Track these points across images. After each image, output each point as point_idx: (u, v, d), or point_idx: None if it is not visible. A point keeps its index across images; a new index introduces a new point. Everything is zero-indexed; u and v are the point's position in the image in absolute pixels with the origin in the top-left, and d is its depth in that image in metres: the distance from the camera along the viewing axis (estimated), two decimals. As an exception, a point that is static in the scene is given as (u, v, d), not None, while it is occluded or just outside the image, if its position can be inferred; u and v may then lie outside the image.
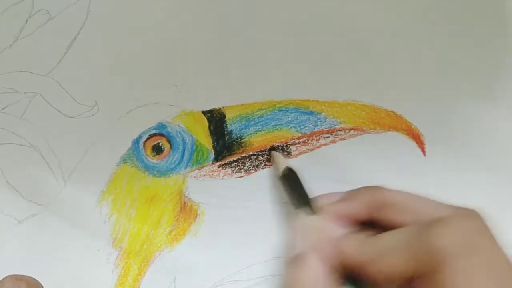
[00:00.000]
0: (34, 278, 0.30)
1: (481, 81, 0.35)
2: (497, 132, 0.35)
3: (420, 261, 0.23)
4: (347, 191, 0.30)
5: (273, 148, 0.34)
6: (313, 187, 0.33)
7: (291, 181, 0.32)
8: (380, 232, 0.26)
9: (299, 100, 0.34)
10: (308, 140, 0.34)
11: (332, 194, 0.30)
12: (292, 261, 0.27)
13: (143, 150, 0.34)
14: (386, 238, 0.25)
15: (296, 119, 0.34)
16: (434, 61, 0.35)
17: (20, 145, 0.34)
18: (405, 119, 0.34)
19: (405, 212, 0.26)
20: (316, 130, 0.34)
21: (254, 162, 0.34)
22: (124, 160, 0.34)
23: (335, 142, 0.34)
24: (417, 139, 0.34)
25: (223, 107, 0.34)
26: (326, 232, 0.28)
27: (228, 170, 0.34)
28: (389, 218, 0.27)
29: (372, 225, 0.27)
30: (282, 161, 0.33)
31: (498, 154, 0.35)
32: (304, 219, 0.29)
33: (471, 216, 0.24)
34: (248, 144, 0.34)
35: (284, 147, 0.34)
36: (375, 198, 0.27)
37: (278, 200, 0.34)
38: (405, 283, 0.24)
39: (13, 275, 0.30)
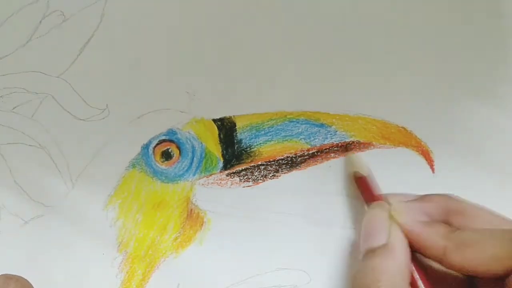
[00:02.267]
0: (24, 278, 0.30)
1: (493, 98, 0.35)
2: (509, 151, 0.35)
3: None
4: (421, 194, 0.30)
5: (348, 147, 0.34)
6: (321, 199, 0.33)
7: (364, 181, 0.32)
8: None
9: (310, 112, 0.35)
10: (317, 152, 0.34)
11: (405, 195, 0.31)
12: (379, 251, 0.27)
13: (152, 156, 0.34)
14: (482, 231, 0.26)
15: (306, 130, 0.34)
16: (447, 79, 0.35)
17: (29, 145, 0.34)
18: (415, 136, 0.34)
19: (479, 223, 0.27)
20: (326, 142, 0.34)
21: (262, 172, 0.34)
22: (132, 165, 0.34)
23: (344, 156, 0.34)
24: (426, 155, 0.34)
25: (233, 115, 0.34)
26: (410, 216, 0.28)
27: (236, 179, 0.34)
28: (463, 224, 0.27)
29: None
30: (358, 162, 0.33)
31: (510, 170, 0.35)
32: (387, 207, 0.29)
33: None
34: (257, 153, 0.34)
35: (293, 158, 0.34)
36: (451, 203, 0.28)
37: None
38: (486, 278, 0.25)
39: (4, 274, 0.30)
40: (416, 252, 0.28)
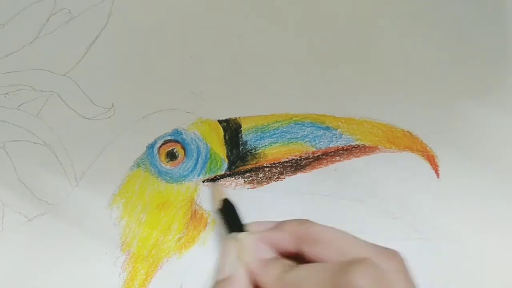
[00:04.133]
0: None
1: (501, 103, 0.35)
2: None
3: None
4: (278, 221, 0.30)
5: (212, 180, 0.34)
6: (322, 201, 0.33)
7: (227, 211, 0.32)
8: None
9: (315, 114, 0.34)
10: (322, 155, 0.34)
11: (263, 222, 0.31)
12: (220, 284, 0.28)
13: (157, 156, 0.34)
14: (306, 269, 0.26)
15: (312, 133, 0.34)
16: (454, 84, 0.35)
17: (34, 143, 0.34)
18: (421, 140, 0.34)
19: (330, 248, 0.27)
20: (331, 145, 0.34)
21: (267, 174, 0.34)
22: (137, 164, 0.34)
23: (349, 159, 0.34)
24: (432, 160, 0.34)
25: (239, 117, 0.34)
26: (253, 254, 0.29)
27: (241, 180, 0.34)
28: (313, 252, 0.27)
29: (298, 258, 0.28)
30: (221, 193, 0.33)
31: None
32: (235, 242, 0.30)
33: (391, 257, 0.26)
34: (262, 155, 0.34)
35: (298, 161, 0.34)
36: (303, 231, 0.28)
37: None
38: None
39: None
40: None
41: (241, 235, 0.30)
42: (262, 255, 0.29)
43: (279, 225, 0.30)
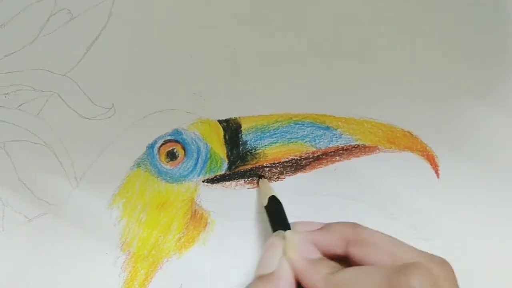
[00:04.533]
0: None
1: (501, 103, 0.35)
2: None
3: None
4: (326, 223, 0.30)
5: (261, 176, 0.34)
6: (322, 201, 0.33)
7: (273, 208, 0.32)
8: None
9: (315, 114, 0.35)
10: (322, 155, 0.34)
11: (310, 223, 0.30)
12: (264, 279, 0.28)
13: (157, 156, 0.34)
14: (357, 271, 0.26)
15: (312, 133, 0.34)
16: (454, 84, 0.35)
17: (34, 143, 0.34)
18: (421, 140, 0.34)
19: (382, 252, 0.27)
20: (331, 145, 0.34)
21: (267, 173, 0.34)
22: (137, 164, 0.34)
23: (349, 159, 0.34)
24: (432, 160, 0.34)
25: (239, 117, 0.34)
26: (300, 252, 0.28)
27: (241, 180, 0.34)
28: (363, 255, 0.27)
29: (343, 262, 0.28)
30: (268, 189, 0.33)
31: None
32: (281, 239, 0.29)
33: (442, 264, 0.26)
34: (262, 155, 0.34)
35: (298, 161, 0.34)
36: (352, 234, 0.28)
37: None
38: None
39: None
40: None
41: (288, 233, 0.29)
42: (308, 254, 0.28)
43: (327, 227, 0.29)
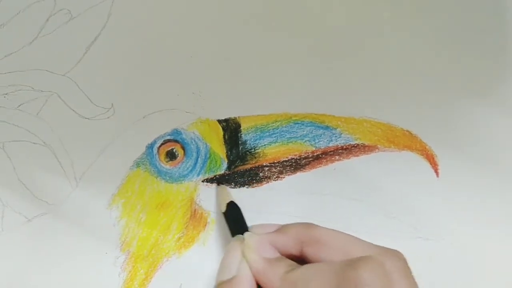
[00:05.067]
0: None
1: (500, 102, 0.35)
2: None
3: None
4: (281, 225, 0.30)
5: (219, 183, 0.34)
6: (322, 201, 0.33)
7: (232, 213, 0.32)
8: None
9: (315, 114, 0.35)
10: (321, 154, 0.34)
11: (266, 225, 0.31)
12: (225, 284, 0.28)
13: (157, 155, 0.34)
14: (312, 268, 0.26)
15: (311, 133, 0.34)
16: (453, 82, 0.35)
17: (33, 143, 0.34)
18: (420, 139, 0.34)
19: (333, 250, 0.27)
20: (330, 145, 0.34)
21: (266, 173, 0.34)
22: (137, 164, 0.34)
23: (348, 158, 0.34)
24: (431, 159, 0.34)
25: (238, 116, 0.34)
26: (258, 254, 0.28)
27: (240, 180, 0.34)
28: (317, 254, 0.27)
29: (301, 262, 0.28)
30: (225, 195, 0.33)
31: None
32: (239, 243, 0.30)
33: (394, 256, 0.26)
34: (261, 155, 0.34)
35: (297, 160, 0.34)
36: (306, 234, 0.28)
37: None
38: None
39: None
40: None
41: (246, 235, 0.30)
42: (266, 254, 0.28)
43: (282, 228, 0.30)
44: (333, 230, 0.28)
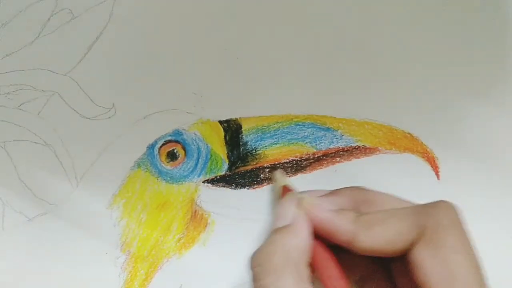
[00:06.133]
0: None
1: (502, 104, 0.35)
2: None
3: (422, 226, 0.25)
4: (332, 190, 0.30)
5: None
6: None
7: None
8: None
9: (316, 115, 0.34)
10: (323, 156, 0.34)
11: (318, 191, 0.30)
12: (281, 229, 0.27)
13: (158, 156, 0.34)
14: (386, 211, 0.26)
15: (312, 134, 0.34)
16: (454, 85, 0.35)
17: (34, 142, 0.34)
18: (421, 142, 0.34)
19: (388, 207, 0.27)
20: (331, 146, 0.34)
21: (267, 174, 0.34)
22: (138, 165, 0.34)
23: (349, 160, 0.34)
24: (432, 162, 0.34)
25: (240, 117, 0.34)
26: (321, 207, 0.28)
27: (241, 181, 0.34)
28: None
29: None
30: (281, 179, 0.33)
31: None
32: (292, 199, 0.29)
33: (451, 204, 0.26)
34: (262, 156, 0.34)
35: (298, 162, 0.34)
36: (361, 195, 0.28)
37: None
38: (396, 254, 0.25)
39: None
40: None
41: (303, 193, 0.29)
42: (329, 207, 0.28)
43: (335, 191, 0.30)
44: (383, 192, 0.28)
